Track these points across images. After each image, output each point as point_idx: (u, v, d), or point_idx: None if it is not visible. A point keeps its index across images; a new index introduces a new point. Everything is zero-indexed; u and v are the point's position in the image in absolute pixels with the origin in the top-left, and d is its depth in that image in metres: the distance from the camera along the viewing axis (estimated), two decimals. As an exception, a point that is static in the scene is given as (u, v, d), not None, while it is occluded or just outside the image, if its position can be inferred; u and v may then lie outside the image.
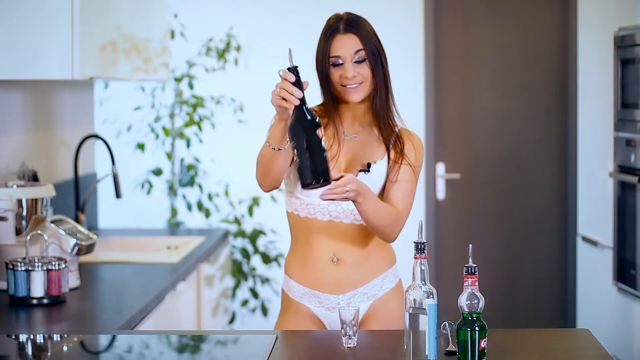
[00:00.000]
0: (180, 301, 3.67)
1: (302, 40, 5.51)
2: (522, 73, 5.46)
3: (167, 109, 5.28)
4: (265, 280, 5.30)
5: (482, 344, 2.19)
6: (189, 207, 5.30)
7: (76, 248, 3.19)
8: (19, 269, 2.97)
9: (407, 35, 5.40)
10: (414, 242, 2.23)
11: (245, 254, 5.25)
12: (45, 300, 2.97)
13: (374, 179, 2.72)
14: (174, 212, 5.25)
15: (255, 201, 5.25)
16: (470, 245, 2.26)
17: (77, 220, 4.19)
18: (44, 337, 2.62)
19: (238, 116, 5.37)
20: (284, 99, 2.44)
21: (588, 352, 2.44)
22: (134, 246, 4.31)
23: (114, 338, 2.58)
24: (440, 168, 5.48)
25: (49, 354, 2.50)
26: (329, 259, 2.75)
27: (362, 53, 2.68)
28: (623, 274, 4.33)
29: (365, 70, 2.69)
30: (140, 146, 5.17)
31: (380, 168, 2.74)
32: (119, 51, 3.73)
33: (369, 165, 2.71)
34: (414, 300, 2.21)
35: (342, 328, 2.41)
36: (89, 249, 3.26)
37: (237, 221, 5.28)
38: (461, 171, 5.49)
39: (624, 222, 4.33)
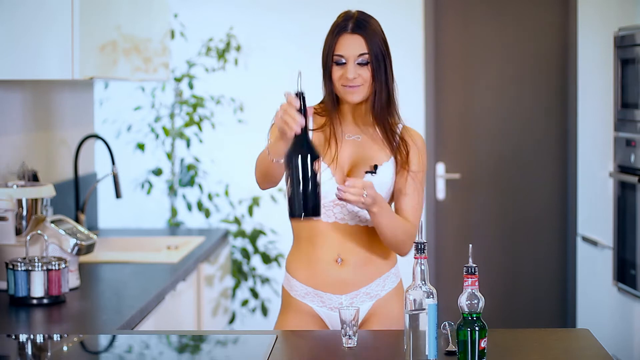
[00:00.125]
0: (180, 301, 3.67)
1: (302, 40, 5.54)
2: (522, 73, 5.46)
3: (167, 109, 5.28)
4: (265, 280, 5.30)
5: (482, 344, 2.19)
6: (189, 207, 5.30)
7: (76, 248, 3.19)
8: (19, 269, 2.97)
9: (407, 35, 5.40)
10: (414, 242, 2.23)
11: (245, 254, 5.25)
12: (45, 300, 2.97)
13: (380, 181, 2.71)
14: (174, 212, 5.25)
15: (255, 201, 5.25)
16: (470, 245, 2.26)
17: (77, 220, 4.19)
18: (44, 337, 2.62)
19: (238, 116, 5.37)
20: (286, 122, 2.41)
21: (588, 352, 2.44)
22: (134, 246, 4.30)
23: (114, 338, 2.58)
24: (440, 168, 5.48)
25: (49, 354, 2.50)
26: (333, 260, 2.75)
27: (366, 56, 2.68)
28: (623, 274, 4.33)
29: (366, 73, 2.68)
30: (140, 146, 5.16)
31: (386, 171, 2.73)
32: (119, 51, 3.73)
33: (375, 167, 2.71)
34: (414, 300, 2.21)
35: (342, 328, 2.41)
36: (89, 249, 3.26)
37: (237, 221, 5.27)
38: (461, 171, 5.49)
39: (624, 222, 4.33)
